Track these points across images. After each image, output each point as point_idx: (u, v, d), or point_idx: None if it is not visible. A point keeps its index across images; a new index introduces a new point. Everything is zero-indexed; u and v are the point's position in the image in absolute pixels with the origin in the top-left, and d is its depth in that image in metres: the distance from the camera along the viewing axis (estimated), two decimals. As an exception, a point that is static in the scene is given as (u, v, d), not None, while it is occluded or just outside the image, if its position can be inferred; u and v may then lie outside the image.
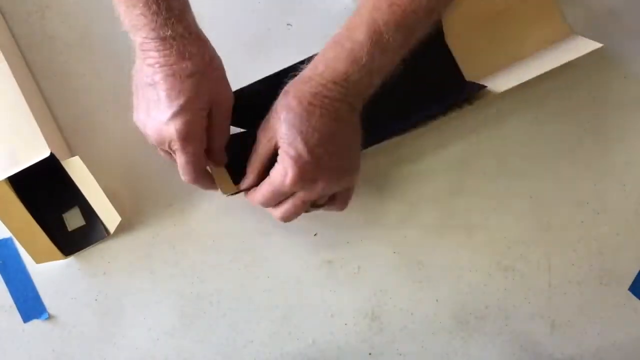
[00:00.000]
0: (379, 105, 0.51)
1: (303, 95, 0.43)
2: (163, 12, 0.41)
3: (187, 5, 0.44)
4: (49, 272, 0.59)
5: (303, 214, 0.49)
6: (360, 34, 0.42)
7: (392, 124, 0.55)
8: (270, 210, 0.49)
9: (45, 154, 0.51)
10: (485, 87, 0.54)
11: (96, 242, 0.58)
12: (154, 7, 0.41)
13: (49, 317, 0.58)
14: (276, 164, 0.45)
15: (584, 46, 0.53)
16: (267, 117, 0.46)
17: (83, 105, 0.60)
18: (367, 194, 0.58)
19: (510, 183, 0.57)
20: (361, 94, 0.45)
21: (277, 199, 0.47)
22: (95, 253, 0.59)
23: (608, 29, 0.59)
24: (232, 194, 0.53)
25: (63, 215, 0.59)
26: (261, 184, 0.47)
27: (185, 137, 0.44)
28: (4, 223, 0.54)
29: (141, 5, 0.42)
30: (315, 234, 0.58)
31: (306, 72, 0.45)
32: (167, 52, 0.42)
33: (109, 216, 0.54)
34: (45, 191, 0.59)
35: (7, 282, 0.58)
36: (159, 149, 0.50)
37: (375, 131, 0.54)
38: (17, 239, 0.55)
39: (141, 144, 0.60)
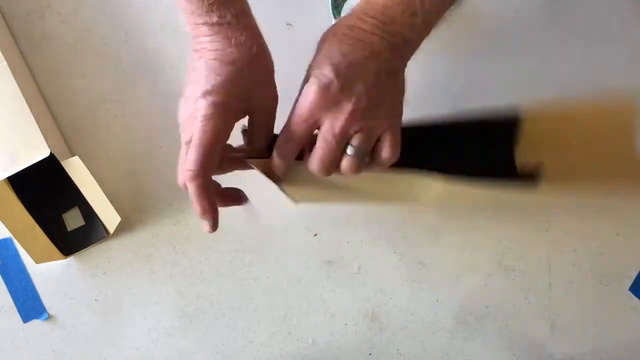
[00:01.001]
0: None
1: (339, 28, 0.43)
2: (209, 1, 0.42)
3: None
4: (49, 272, 0.59)
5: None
6: None
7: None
8: (308, 163, 0.45)
9: (45, 154, 0.51)
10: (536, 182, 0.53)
11: (96, 242, 0.58)
12: None
13: (49, 317, 0.58)
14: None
15: None
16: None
17: (83, 105, 0.60)
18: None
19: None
20: (400, 33, 0.42)
21: (303, 132, 0.43)
22: (95, 253, 0.59)
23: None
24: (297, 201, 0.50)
25: (63, 215, 0.59)
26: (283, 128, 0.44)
27: (208, 116, 0.41)
28: (4, 223, 0.54)
29: None
30: (315, 234, 0.58)
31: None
32: (214, 37, 0.43)
33: (109, 216, 0.54)
34: (45, 191, 0.59)
35: (7, 282, 0.58)
36: (183, 144, 0.46)
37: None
38: (17, 239, 0.55)
39: (141, 144, 0.60)
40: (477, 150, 0.54)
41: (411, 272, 0.57)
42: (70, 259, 0.59)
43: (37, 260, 0.55)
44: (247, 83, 0.43)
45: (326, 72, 0.41)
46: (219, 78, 0.42)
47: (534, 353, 0.56)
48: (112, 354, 0.58)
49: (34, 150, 0.52)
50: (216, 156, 0.43)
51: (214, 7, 0.42)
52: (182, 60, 0.60)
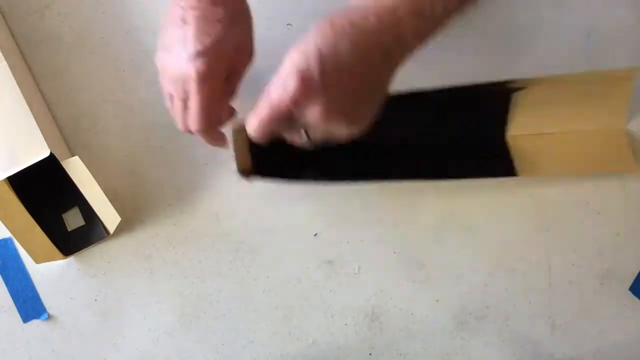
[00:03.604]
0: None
1: (339, 21, 0.38)
2: None
3: None
4: (49, 272, 0.59)
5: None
6: None
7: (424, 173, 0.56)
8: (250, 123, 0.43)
9: (45, 154, 0.51)
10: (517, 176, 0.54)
11: (96, 242, 0.58)
12: None
13: (49, 317, 0.58)
14: (274, 78, 0.40)
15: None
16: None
17: (83, 105, 0.60)
18: (368, 193, 0.58)
19: (511, 183, 0.57)
20: (402, 37, 0.39)
21: (273, 123, 0.41)
22: (95, 253, 0.59)
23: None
24: (241, 174, 0.52)
25: (63, 215, 0.59)
26: (258, 105, 0.41)
27: (204, 77, 0.44)
28: (3, 223, 0.54)
29: None
30: (315, 234, 0.58)
31: (352, 2, 0.39)
32: None
33: (109, 216, 0.54)
34: (45, 191, 0.59)
35: (7, 283, 0.58)
36: (167, 96, 0.48)
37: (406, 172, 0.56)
38: (16, 239, 0.55)
39: (141, 144, 0.60)
40: (467, 120, 0.55)
41: (411, 272, 0.57)
42: (70, 259, 0.59)
43: (37, 260, 0.55)
44: (232, 39, 0.45)
45: (311, 65, 0.38)
46: (209, 38, 0.43)
47: (534, 353, 0.56)
48: (112, 354, 0.58)
49: (34, 150, 0.52)
50: (215, 109, 0.46)
51: None
52: (182, 60, 0.60)
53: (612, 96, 0.54)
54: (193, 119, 0.46)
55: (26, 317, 0.58)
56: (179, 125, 0.48)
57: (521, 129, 0.55)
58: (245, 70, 0.49)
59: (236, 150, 0.52)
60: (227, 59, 0.45)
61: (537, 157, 0.55)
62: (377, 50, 0.39)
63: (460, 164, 0.55)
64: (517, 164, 0.55)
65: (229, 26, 0.44)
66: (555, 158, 0.56)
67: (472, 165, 0.55)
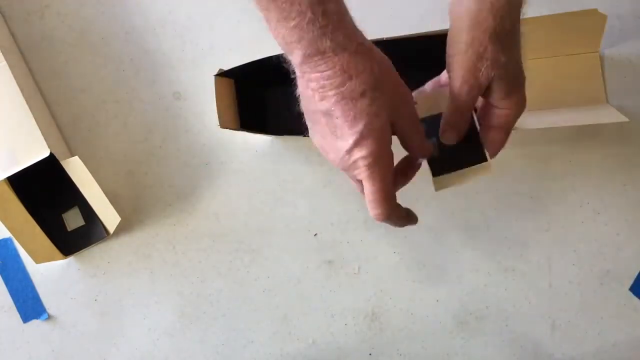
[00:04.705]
0: None
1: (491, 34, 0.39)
2: (319, 19, 0.35)
3: (343, 7, 0.37)
4: (49, 272, 0.59)
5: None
6: None
7: None
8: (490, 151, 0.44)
9: (45, 154, 0.51)
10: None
11: (96, 242, 0.58)
12: (309, 14, 0.35)
13: (49, 317, 0.58)
14: (497, 111, 0.42)
15: (611, 116, 0.53)
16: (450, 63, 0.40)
17: (83, 105, 0.60)
18: (367, 194, 0.58)
19: (511, 183, 0.57)
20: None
21: (507, 136, 0.43)
22: (95, 253, 0.59)
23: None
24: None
25: (63, 215, 0.59)
26: (490, 135, 0.43)
27: (373, 164, 0.38)
28: (4, 223, 0.54)
29: (294, 14, 0.35)
30: (315, 234, 0.58)
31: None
32: (330, 72, 0.36)
33: (109, 216, 0.54)
34: (45, 191, 0.59)
35: (7, 283, 0.58)
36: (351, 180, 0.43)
37: None
38: (16, 239, 0.55)
39: (141, 144, 0.60)
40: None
41: (411, 272, 0.57)
42: (70, 259, 0.59)
43: (37, 260, 0.55)
44: (383, 105, 0.38)
45: (522, 77, 0.42)
46: (358, 121, 0.37)
47: (533, 353, 0.56)
48: (112, 354, 0.58)
49: (34, 150, 0.52)
50: (392, 187, 0.42)
51: (327, 31, 0.36)
52: (181, 61, 0.60)
53: (587, 25, 0.54)
54: (372, 206, 0.41)
55: (26, 317, 0.58)
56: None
57: None
58: (411, 113, 0.41)
59: (218, 101, 0.50)
60: (386, 128, 0.39)
61: None
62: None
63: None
64: None
65: (373, 96, 0.37)
66: (530, 88, 0.56)
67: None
